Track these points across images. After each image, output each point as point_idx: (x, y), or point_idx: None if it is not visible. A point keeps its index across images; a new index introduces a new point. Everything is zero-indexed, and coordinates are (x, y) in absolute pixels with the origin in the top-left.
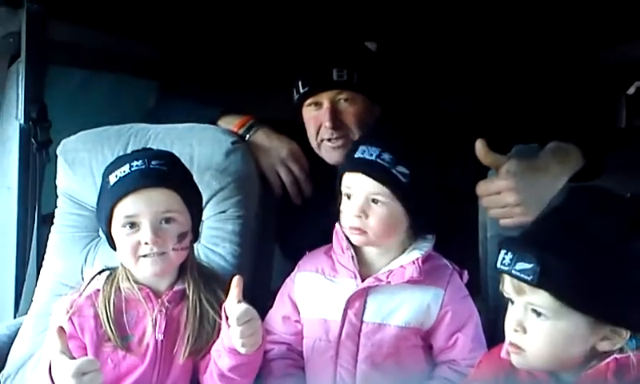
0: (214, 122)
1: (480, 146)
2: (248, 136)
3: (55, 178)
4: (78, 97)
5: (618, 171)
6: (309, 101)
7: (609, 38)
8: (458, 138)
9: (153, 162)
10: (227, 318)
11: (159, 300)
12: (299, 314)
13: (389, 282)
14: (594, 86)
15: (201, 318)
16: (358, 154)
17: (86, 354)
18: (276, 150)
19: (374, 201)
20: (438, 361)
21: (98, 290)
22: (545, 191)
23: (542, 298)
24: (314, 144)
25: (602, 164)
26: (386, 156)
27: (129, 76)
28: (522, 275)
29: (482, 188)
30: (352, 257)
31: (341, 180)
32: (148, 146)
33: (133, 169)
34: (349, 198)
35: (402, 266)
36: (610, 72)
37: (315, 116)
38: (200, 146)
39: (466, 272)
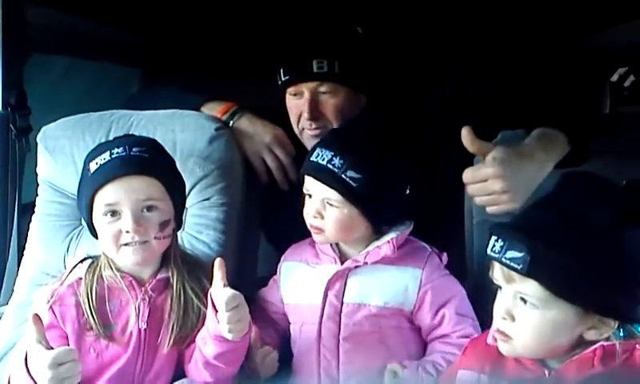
0: (197, 109)
1: (466, 134)
2: (232, 122)
3: (36, 166)
4: (60, 85)
5: (603, 157)
6: (290, 89)
7: (592, 24)
8: (443, 126)
9: (134, 149)
10: (213, 304)
11: (142, 288)
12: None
13: (366, 263)
14: (578, 72)
15: (185, 307)
16: (312, 158)
17: (67, 344)
18: (261, 135)
19: (329, 203)
20: (429, 340)
21: (80, 279)
22: (531, 178)
23: (531, 287)
24: (296, 130)
25: (588, 150)
26: (337, 161)
27: (111, 63)
28: (512, 264)
29: (468, 175)
30: (331, 246)
31: (303, 179)
32: (130, 133)
33: (113, 156)
34: (310, 197)
35: (377, 247)
36: (593, 58)
37: (296, 104)
38: (183, 132)
39: (445, 254)
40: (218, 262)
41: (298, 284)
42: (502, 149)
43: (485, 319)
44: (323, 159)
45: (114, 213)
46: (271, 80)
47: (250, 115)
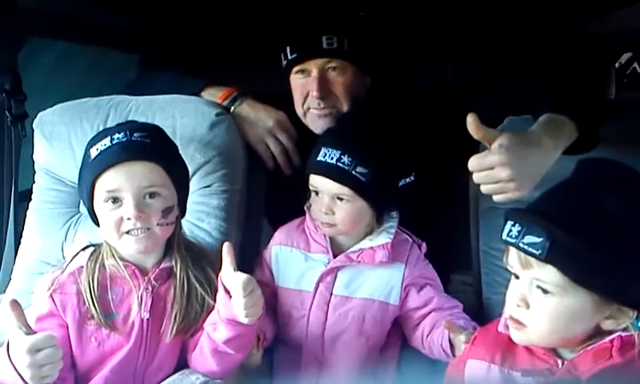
0: (196, 94)
1: (471, 120)
2: (233, 108)
3: (33, 153)
4: (56, 70)
5: (610, 142)
6: (297, 68)
7: (596, 8)
8: (446, 111)
9: (135, 135)
10: (225, 288)
11: (145, 278)
12: (275, 282)
13: (359, 262)
14: (583, 57)
15: (189, 296)
16: (320, 157)
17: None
18: (263, 121)
19: (339, 198)
20: (426, 320)
21: (82, 267)
22: (538, 166)
23: (549, 274)
24: (299, 111)
25: (596, 136)
26: (346, 159)
27: (107, 49)
28: (530, 249)
29: (474, 163)
30: (324, 235)
31: (308, 177)
32: (129, 119)
33: (114, 142)
34: (317, 194)
35: (372, 248)
36: (598, 43)
37: (303, 84)
38: (183, 117)
39: (424, 244)
40: (226, 246)
41: (289, 270)
42: (508, 136)
43: (487, 307)
44: (332, 158)
45: (115, 199)
46: (266, 65)
47: (250, 100)
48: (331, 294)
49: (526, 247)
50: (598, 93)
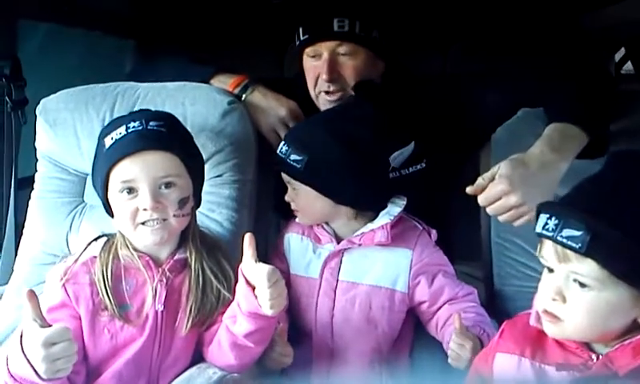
0: (205, 81)
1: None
2: (244, 96)
3: (33, 140)
4: (49, 55)
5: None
6: (308, 50)
7: (591, 2)
8: (457, 100)
9: (151, 124)
10: (247, 280)
11: (160, 269)
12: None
13: (360, 245)
14: (582, 49)
15: (204, 288)
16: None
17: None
18: (275, 109)
19: (292, 186)
20: (435, 310)
21: (95, 257)
22: (545, 183)
23: (587, 267)
24: (312, 94)
25: (607, 139)
26: (284, 148)
27: (103, 33)
28: (570, 242)
29: (482, 199)
30: (323, 226)
31: None
32: (137, 106)
33: (129, 130)
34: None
35: (372, 230)
36: (596, 36)
37: (314, 66)
38: (193, 105)
39: (434, 231)
40: (248, 237)
41: (300, 257)
42: (504, 165)
43: (499, 299)
44: (280, 150)
45: (130, 190)
46: (270, 52)
47: (262, 88)
48: (337, 280)
49: (564, 240)
50: (605, 89)
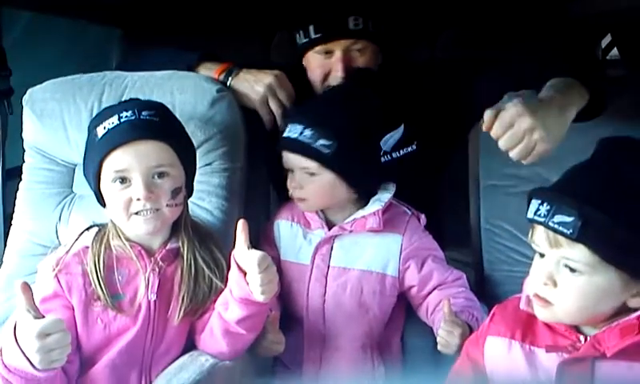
0: (191, 69)
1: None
2: (229, 81)
3: (20, 130)
4: (34, 44)
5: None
6: (319, 47)
7: None
8: (448, 86)
9: (143, 113)
10: (239, 266)
11: (152, 258)
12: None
13: (351, 231)
14: (568, 37)
15: (196, 277)
16: (286, 133)
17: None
18: (262, 79)
19: (308, 173)
20: (424, 295)
21: (87, 247)
22: (556, 119)
23: (578, 253)
24: (318, 86)
25: (604, 100)
26: (307, 132)
27: (88, 22)
28: (561, 228)
29: (496, 128)
30: (316, 212)
31: (281, 156)
32: (125, 95)
33: (122, 120)
34: (292, 172)
35: (363, 217)
36: (583, 23)
37: (323, 63)
38: (181, 94)
39: (423, 216)
40: (241, 223)
41: (290, 243)
42: (516, 96)
43: (489, 284)
44: (295, 133)
45: (123, 179)
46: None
47: (245, 69)
48: (329, 266)
49: (556, 226)
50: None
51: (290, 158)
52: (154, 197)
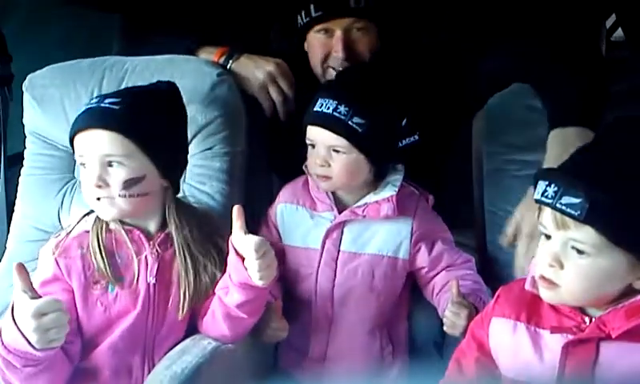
0: (191, 53)
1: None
2: (230, 64)
3: (21, 117)
4: (33, 30)
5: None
6: (319, 26)
7: None
8: (453, 68)
9: (106, 101)
10: (237, 252)
11: (151, 242)
12: (282, 240)
13: (364, 216)
14: (572, 15)
15: (195, 268)
16: (316, 108)
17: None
18: (263, 66)
19: (335, 150)
20: (437, 278)
21: (86, 232)
22: None
23: (585, 234)
24: (318, 70)
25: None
26: (342, 108)
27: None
28: (569, 210)
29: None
30: (327, 193)
31: (305, 130)
32: (125, 80)
33: (86, 107)
34: (313, 147)
35: (377, 202)
36: (587, 3)
37: (324, 43)
38: (182, 78)
39: (431, 196)
40: (236, 209)
41: (295, 228)
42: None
43: (493, 266)
44: (328, 108)
45: (83, 164)
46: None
47: (247, 54)
48: (339, 250)
49: (563, 208)
50: (597, 72)
51: (318, 134)
52: (103, 185)
